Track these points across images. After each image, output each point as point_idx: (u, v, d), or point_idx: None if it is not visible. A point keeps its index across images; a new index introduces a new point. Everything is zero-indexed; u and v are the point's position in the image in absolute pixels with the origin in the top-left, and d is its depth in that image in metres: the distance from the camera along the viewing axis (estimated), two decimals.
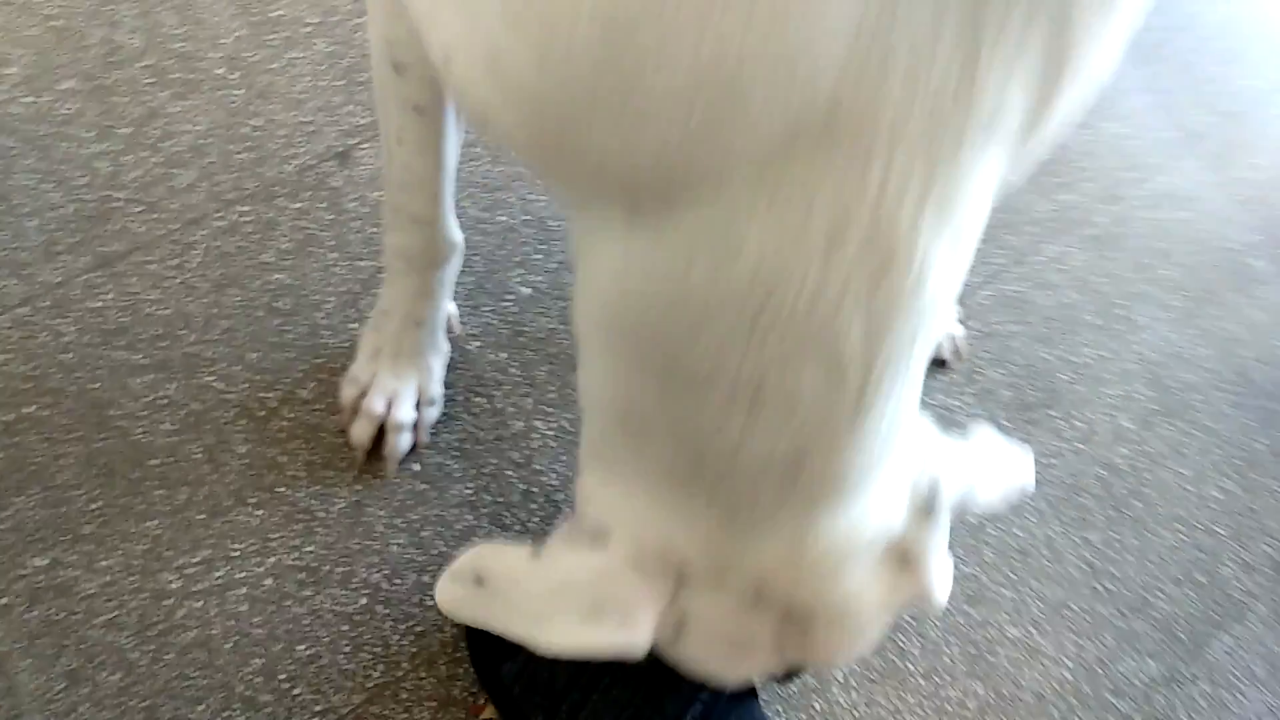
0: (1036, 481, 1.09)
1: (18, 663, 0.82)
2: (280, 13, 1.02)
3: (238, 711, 0.85)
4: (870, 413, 0.54)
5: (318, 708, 0.86)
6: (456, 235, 0.85)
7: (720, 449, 0.55)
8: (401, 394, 0.91)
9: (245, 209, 0.97)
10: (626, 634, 0.61)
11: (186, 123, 0.97)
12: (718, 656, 0.65)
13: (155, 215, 0.94)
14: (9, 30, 0.96)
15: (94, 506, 0.87)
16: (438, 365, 0.93)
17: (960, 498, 0.66)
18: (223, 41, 1.00)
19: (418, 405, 0.92)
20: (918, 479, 0.63)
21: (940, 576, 0.65)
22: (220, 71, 1.00)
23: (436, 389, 0.93)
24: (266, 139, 0.99)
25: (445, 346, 0.93)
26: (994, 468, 0.69)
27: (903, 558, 0.63)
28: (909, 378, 0.55)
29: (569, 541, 0.63)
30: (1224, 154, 1.29)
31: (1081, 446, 1.11)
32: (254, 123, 0.99)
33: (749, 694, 0.87)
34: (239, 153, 0.98)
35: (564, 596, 0.62)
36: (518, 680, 0.82)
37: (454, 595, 0.64)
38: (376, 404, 0.90)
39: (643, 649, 0.61)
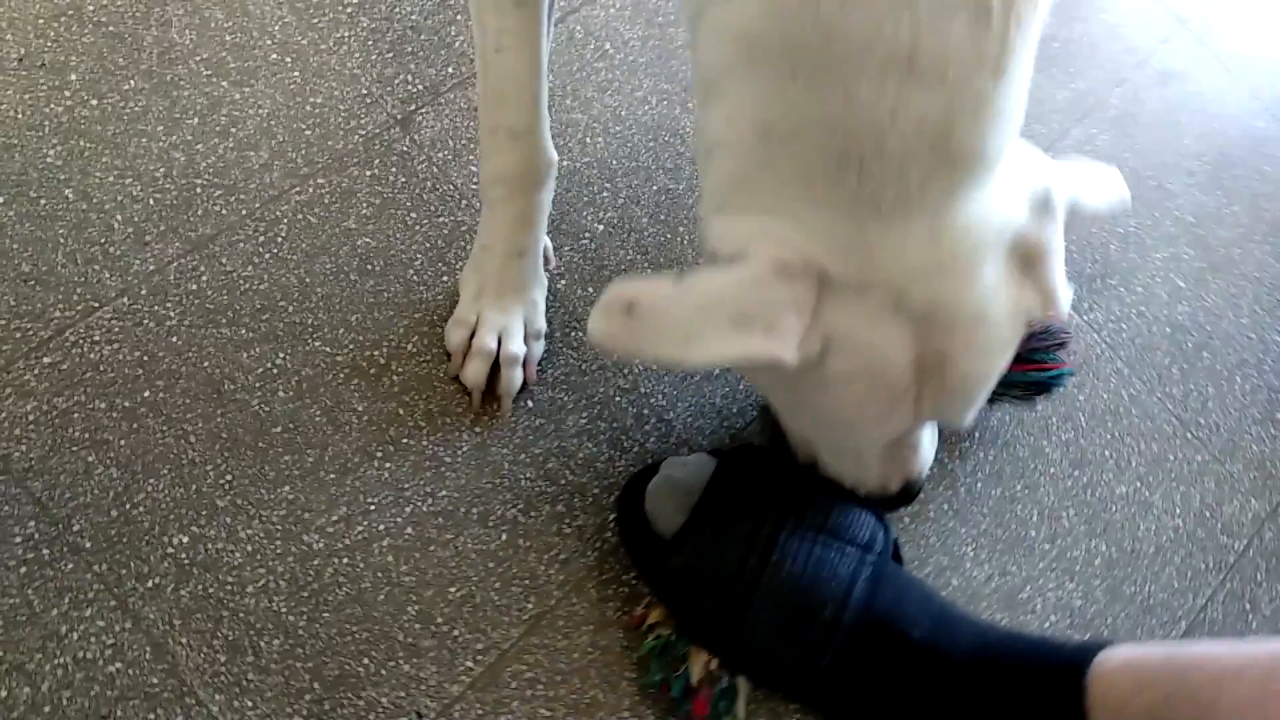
0: (1112, 345, 1.12)
1: (176, 641, 0.81)
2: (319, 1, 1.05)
3: (402, 659, 0.84)
4: (1006, 73, 0.58)
5: (479, 645, 0.86)
6: (552, 150, 0.87)
7: (872, 126, 0.58)
8: (510, 329, 0.92)
9: (321, 180, 0.98)
10: (773, 343, 0.62)
11: (250, 108, 0.98)
12: (859, 396, 0.67)
13: (236, 196, 0.95)
14: (65, 40, 0.97)
15: (226, 480, 0.86)
16: (541, 298, 0.94)
17: (1071, 200, 0.69)
18: (271, 28, 1.02)
19: (525, 340, 0.93)
20: (1031, 182, 0.66)
21: (1062, 276, 0.69)
22: (275, 57, 1.01)
23: (542, 322, 0.94)
24: (330, 114, 1.00)
25: (545, 279, 0.95)
26: (1093, 180, 0.73)
27: (1026, 258, 0.66)
28: (1031, 40, 0.59)
29: (710, 267, 0.65)
30: (1208, 33, 1.36)
31: (1144, 310, 1.15)
32: (315, 100, 1.01)
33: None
34: (306, 129, 0.99)
35: (710, 311, 0.63)
36: (684, 573, 0.83)
37: (606, 328, 0.64)
38: (488, 340, 0.91)
39: (790, 358, 0.63)
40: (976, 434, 1.04)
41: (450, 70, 1.06)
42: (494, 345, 0.91)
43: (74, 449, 0.84)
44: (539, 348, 0.95)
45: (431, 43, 1.07)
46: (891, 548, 0.86)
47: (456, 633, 0.86)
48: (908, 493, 0.85)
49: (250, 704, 0.80)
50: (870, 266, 0.63)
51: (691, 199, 1.07)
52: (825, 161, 0.60)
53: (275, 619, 0.83)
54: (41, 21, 0.97)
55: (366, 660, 0.83)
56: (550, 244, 0.97)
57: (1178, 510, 1.07)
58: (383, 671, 0.83)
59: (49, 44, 0.96)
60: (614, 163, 1.07)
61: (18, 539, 0.81)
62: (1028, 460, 1.05)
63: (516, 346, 0.92)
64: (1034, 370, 0.98)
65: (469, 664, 0.85)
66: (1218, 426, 1.11)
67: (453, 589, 0.87)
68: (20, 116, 0.94)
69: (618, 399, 0.98)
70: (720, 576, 0.82)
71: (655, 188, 1.07)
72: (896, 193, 0.60)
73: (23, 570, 0.80)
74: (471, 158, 1.03)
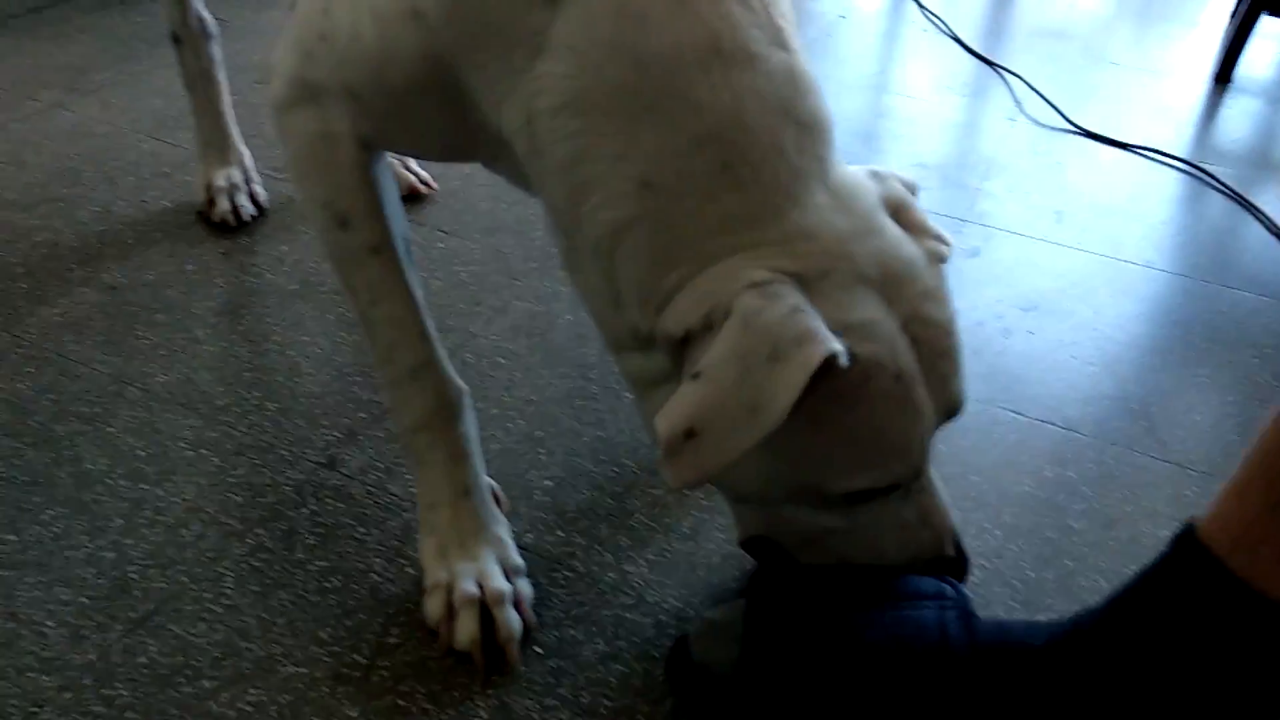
0: None
1: None
2: (223, 401, 1.09)
3: None
4: (789, 48, 0.67)
5: None
6: (458, 379, 0.88)
7: (726, 115, 0.64)
8: (486, 570, 0.85)
9: (260, 530, 0.94)
10: (817, 346, 0.61)
11: (174, 497, 0.97)
12: (888, 384, 0.66)
13: (174, 569, 0.89)
14: None
15: None
16: (506, 534, 0.89)
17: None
18: (182, 434, 1.04)
19: (507, 576, 0.86)
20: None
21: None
22: (190, 454, 1.02)
23: (517, 557, 0.88)
24: (255, 479, 1.00)
25: (503, 518, 0.90)
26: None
27: (893, 212, 0.71)
28: (791, 22, 0.70)
29: (704, 345, 0.63)
30: None
31: None
32: (238, 473, 1.00)
33: None
34: (235, 497, 0.97)
35: (747, 373, 0.61)
36: (767, 694, 0.72)
37: (682, 467, 0.62)
38: (468, 588, 0.84)
39: (839, 348, 0.62)
40: None
41: (361, 415, 1.09)
42: (476, 591, 0.84)
43: None
44: (525, 585, 0.87)
45: (337, 401, 1.11)
46: (965, 598, 0.77)
47: None
48: (959, 548, 0.79)
49: None
50: (817, 250, 0.65)
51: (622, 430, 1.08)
52: (714, 174, 0.65)
53: None
54: None
55: None
56: (496, 484, 0.94)
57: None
58: None
59: None
60: (539, 433, 1.08)
61: None
62: (1060, 539, 0.99)
63: (499, 583, 0.85)
64: None
65: None
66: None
67: None
68: None
69: (629, 616, 0.89)
70: (807, 678, 0.70)
71: (586, 439, 1.08)
72: (787, 170, 0.65)
73: None
74: (404, 470, 1.02)
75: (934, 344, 0.69)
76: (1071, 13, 2.46)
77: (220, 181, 1.42)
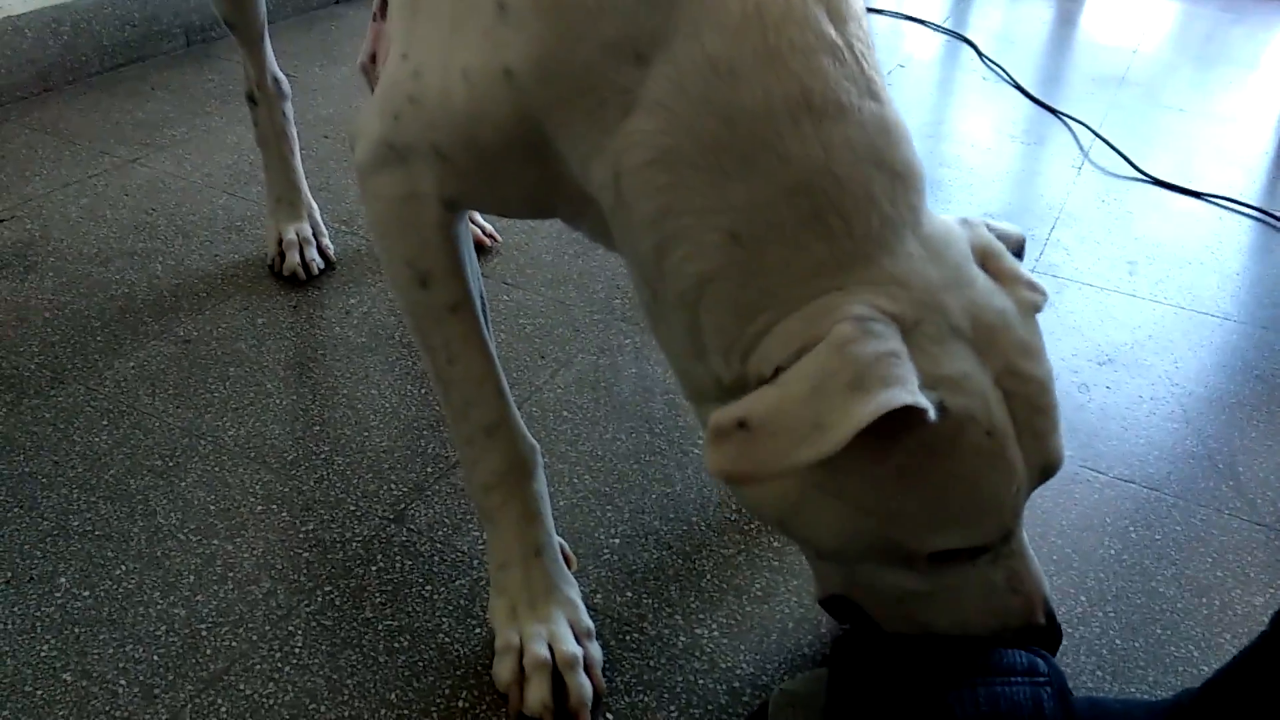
0: None
1: None
2: (293, 455, 1.10)
3: None
4: (880, 99, 0.67)
5: None
6: (531, 438, 0.88)
7: (816, 167, 0.64)
8: (558, 633, 0.84)
9: (329, 588, 0.94)
10: (903, 391, 0.59)
11: (244, 553, 0.97)
12: (978, 438, 0.64)
13: (244, 627, 0.89)
14: (51, 553, 0.96)
15: None
16: (576, 596, 0.88)
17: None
18: (253, 489, 1.05)
19: (578, 639, 0.84)
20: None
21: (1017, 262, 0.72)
22: (260, 508, 1.03)
23: (586, 619, 0.87)
24: (324, 534, 1.00)
25: (573, 579, 0.89)
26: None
27: (983, 260, 0.70)
28: (880, 71, 0.70)
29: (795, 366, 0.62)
30: None
31: None
32: (307, 528, 1.00)
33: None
34: (304, 553, 0.97)
35: (823, 389, 0.59)
36: None
37: (726, 453, 0.60)
38: (540, 651, 0.83)
39: (924, 403, 0.60)
40: None
41: (429, 470, 1.09)
42: (547, 654, 0.83)
43: None
44: (595, 649, 0.86)
45: (405, 455, 1.11)
46: (1060, 674, 0.73)
47: None
48: (1051, 618, 0.75)
49: None
50: (907, 298, 0.64)
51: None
52: (805, 224, 0.64)
53: None
54: (26, 545, 0.98)
55: None
56: (566, 544, 0.93)
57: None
58: None
59: (35, 561, 0.96)
60: (606, 489, 1.07)
61: None
62: (1149, 604, 0.95)
63: (571, 646, 0.83)
64: None
65: None
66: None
67: None
68: (9, 627, 0.89)
69: (701, 681, 0.86)
70: None
71: (654, 495, 1.06)
72: (879, 218, 0.65)
73: None
74: (471, 525, 1.02)
75: (1029, 400, 0.67)
76: (1131, 59, 2.43)
77: (291, 235, 1.45)
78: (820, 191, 0.63)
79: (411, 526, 1.02)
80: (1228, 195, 1.76)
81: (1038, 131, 2.02)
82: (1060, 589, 0.97)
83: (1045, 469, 0.70)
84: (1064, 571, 0.99)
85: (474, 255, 0.88)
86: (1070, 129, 2.01)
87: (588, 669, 0.84)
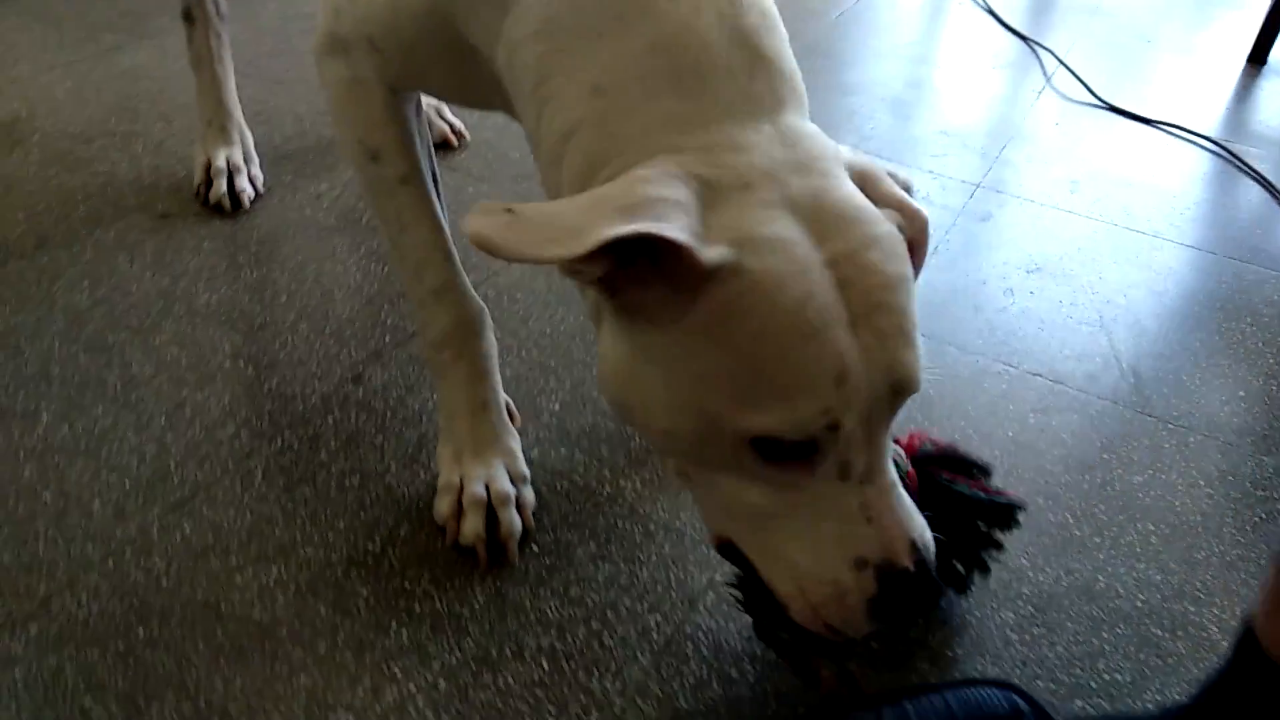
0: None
1: None
2: (260, 320, 1.18)
3: None
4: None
5: None
6: (478, 299, 0.95)
7: (683, 26, 0.66)
8: (495, 475, 0.93)
9: (289, 433, 1.02)
10: (664, 225, 0.59)
11: (213, 401, 1.06)
12: (791, 303, 0.61)
13: (210, 462, 0.98)
14: (34, 393, 1.05)
15: (235, 686, 0.79)
16: (516, 446, 0.97)
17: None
18: (221, 346, 1.13)
19: (513, 481, 0.93)
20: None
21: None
22: (228, 365, 1.11)
23: (524, 468, 0.96)
24: (286, 389, 1.08)
25: (515, 432, 0.98)
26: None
27: (860, 179, 0.69)
28: None
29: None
30: None
31: None
32: (270, 384, 1.09)
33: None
34: (268, 405, 1.06)
35: (596, 207, 0.61)
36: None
37: (488, 222, 0.58)
38: (478, 489, 0.92)
39: (685, 239, 0.59)
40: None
41: (388, 339, 1.17)
42: (484, 493, 0.92)
43: (68, 699, 0.77)
44: (529, 493, 0.95)
45: (365, 325, 1.19)
46: (1040, 710, 0.79)
47: None
48: (922, 566, 0.67)
49: None
50: (743, 163, 0.64)
51: None
52: (662, 78, 0.66)
53: None
54: (11, 386, 1.06)
55: None
56: (512, 403, 1.01)
57: (1201, 481, 1.06)
58: None
59: (18, 400, 1.04)
60: (552, 362, 1.16)
61: None
62: (1034, 479, 1.05)
63: (505, 485, 0.92)
64: (995, 494, 0.91)
65: None
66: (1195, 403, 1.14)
67: None
68: None
69: (620, 524, 0.96)
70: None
71: (594, 370, 1.15)
72: (734, 92, 0.67)
73: None
74: (424, 388, 1.10)
75: (869, 293, 0.63)
76: None
77: (220, 162, 1.41)
78: (682, 49, 0.66)
79: (368, 386, 1.10)
80: (1181, 124, 1.82)
81: (1011, 59, 2.07)
82: None
83: (893, 379, 0.64)
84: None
85: (425, 136, 0.95)
86: (1038, 56, 2.06)
87: (520, 509, 0.93)
